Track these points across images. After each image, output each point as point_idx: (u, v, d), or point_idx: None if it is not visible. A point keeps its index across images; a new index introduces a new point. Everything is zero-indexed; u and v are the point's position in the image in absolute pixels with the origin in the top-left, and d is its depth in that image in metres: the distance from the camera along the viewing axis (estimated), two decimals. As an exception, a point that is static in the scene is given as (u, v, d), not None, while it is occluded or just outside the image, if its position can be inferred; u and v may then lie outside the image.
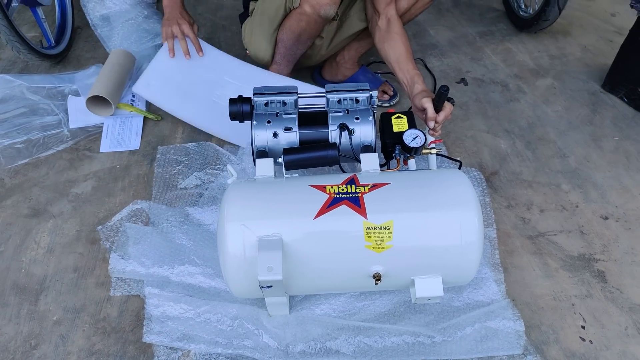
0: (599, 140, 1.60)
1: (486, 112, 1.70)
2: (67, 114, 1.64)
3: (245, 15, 1.65)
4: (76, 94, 1.72)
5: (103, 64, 1.77)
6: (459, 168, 1.28)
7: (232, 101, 1.20)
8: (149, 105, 1.70)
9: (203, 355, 1.05)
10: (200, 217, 1.31)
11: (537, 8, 1.93)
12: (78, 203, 1.39)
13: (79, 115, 1.64)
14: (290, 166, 1.06)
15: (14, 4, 1.71)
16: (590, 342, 1.11)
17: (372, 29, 1.52)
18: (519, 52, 1.98)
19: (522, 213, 1.38)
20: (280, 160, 1.07)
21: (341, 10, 1.56)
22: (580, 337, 1.12)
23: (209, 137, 1.58)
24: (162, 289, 1.13)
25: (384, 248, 0.91)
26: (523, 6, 2.06)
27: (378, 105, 1.55)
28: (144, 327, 1.08)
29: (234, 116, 1.21)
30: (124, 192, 1.42)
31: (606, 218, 1.37)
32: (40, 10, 1.84)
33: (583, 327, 1.14)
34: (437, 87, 1.78)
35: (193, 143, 1.52)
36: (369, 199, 0.93)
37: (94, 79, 1.71)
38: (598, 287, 1.21)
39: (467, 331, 1.06)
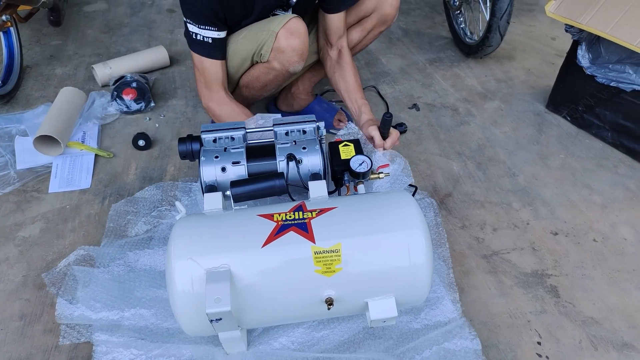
0: (545, 158, 1.66)
1: (438, 136, 1.75)
2: (14, 155, 1.60)
3: None
4: (24, 134, 1.68)
5: (52, 103, 1.74)
6: (414, 193, 1.30)
7: (181, 140, 1.20)
8: (100, 143, 1.67)
9: (157, 401, 1.01)
10: (151, 259, 1.27)
11: (481, 35, 2.02)
12: (25, 247, 1.34)
13: (27, 156, 1.59)
14: (238, 198, 1.05)
15: (-42, 45, 1.67)
16: (547, 357, 1.12)
17: (323, 59, 1.56)
18: (467, 77, 2.06)
19: (476, 233, 1.41)
20: (228, 193, 1.06)
21: None
22: (537, 354, 1.13)
23: (162, 174, 1.56)
24: (113, 333, 1.08)
25: (334, 271, 0.91)
26: (469, 33, 2.16)
27: (333, 133, 1.58)
28: (93, 375, 1.03)
29: (184, 155, 1.21)
30: (74, 232, 1.37)
31: (556, 234, 1.41)
32: (-14, 51, 1.81)
33: (539, 342, 1.15)
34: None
35: (144, 189, 1.46)
36: (316, 224, 0.93)
37: (43, 118, 1.68)
38: (552, 302, 1.24)
39: (425, 354, 1.06)
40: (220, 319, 0.86)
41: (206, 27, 1.34)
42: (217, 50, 1.40)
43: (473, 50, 2.08)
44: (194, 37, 1.36)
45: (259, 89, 1.53)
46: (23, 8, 1.95)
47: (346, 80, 1.47)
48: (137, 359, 1.03)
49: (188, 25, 1.36)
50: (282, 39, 1.34)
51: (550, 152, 1.69)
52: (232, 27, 1.44)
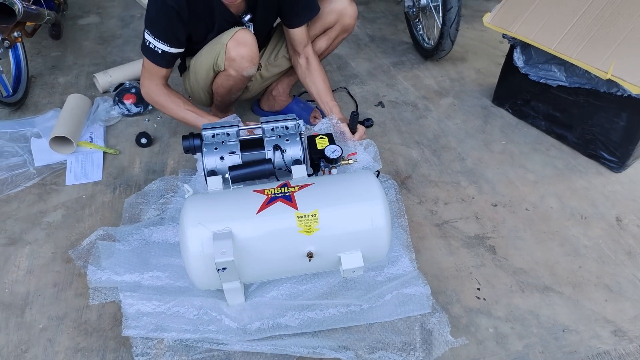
0: (489, 144, 1.97)
1: (400, 128, 2.04)
2: (31, 154, 1.82)
3: (183, 66, 1.87)
4: (38, 136, 1.91)
5: (60, 108, 1.98)
6: (377, 175, 1.59)
7: (185, 137, 1.45)
8: (106, 142, 1.91)
9: (175, 342, 1.26)
10: (163, 234, 1.52)
11: (436, 41, 2.32)
12: (50, 230, 1.57)
13: (43, 154, 1.82)
14: (235, 180, 1.32)
15: (-25, 59, 1.89)
16: (484, 299, 1.41)
17: (294, 66, 1.82)
18: (426, 77, 2.36)
19: (430, 207, 1.70)
20: (227, 176, 1.33)
21: (269, 54, 1.86)
22: (476, 297, 1.42)
23: (163, 167, 1.81)
24: (135, 291, 1.33)
25: (313, 231, 1.18)
26: (426, 39, 2.46)
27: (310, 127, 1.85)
28: (122, 323, 1.28)
29: (187, 149, 1.46)
30: (91, 217, 1.62)
31: (495, 205, 1.71)
32: (-2, 64, 2.03)
33: (478, 289, 1.44)
34: (358, 110, 2.11)
35: (150, 183, 1.69)
36: (298, 196, 1.21)
37: (54, 122, 1.91)
38: (490, 258, 1.53)
39: (387, 298, 1.34)
40: (225, 268, 1.12)
41: (160, 41, 1.54)
42: (164, 60, 1.59)
43: (430, 54, 2.38)
44: (147, 44, 1.56)
45: (227, 93, 1.76)
46: (30, 24, 2.17)
47: (316, 84, 1.74)
48: (158, 309, 1.28)
49: (146, 33, 1.55)
50: (232, 49, 1.56)
51: (493, 139, 1.99)
52: (199, 42, 1.67)
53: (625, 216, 1.65)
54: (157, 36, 1.54)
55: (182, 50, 1.61)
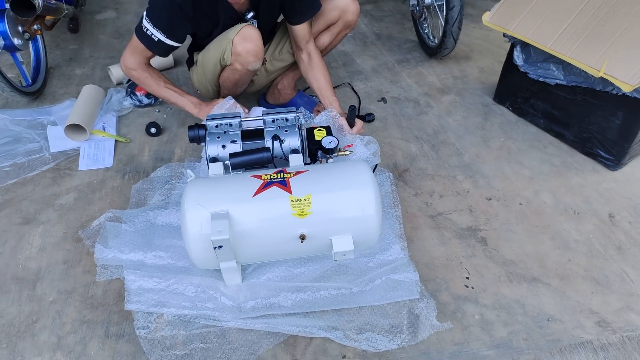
0: (488, 141, 2.01)
1: (401, 124, 2.09)
2: (47, 140, 1.92)
3: (191, 61, 1.95)
4: (54, 124, 2.01)
5: (76, 98, 2.08)
6: (374, 168, 1.65)
7: (190, 127, 1.53)
8: (118, 131, 2.00)
9: (174, 317, 1.34)
10: (167, 217, 1.60)
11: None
12: (63, 211, 1.67)
13: (58, 141, 1.92)
14: (235, 166, 1.39)
15: (-2, 50, 1.99)
16: (472, 287, 1.46)
17: (297, 60, 1.89)
18: (429, 75, 2.41)
19: (426, 199, 1.75)
20: (227, 162, 1.40)
21: (273, 49, 1.93)
22: (465, 285, 1.47)
23: (171, 155, 1.89)
24: (138, 269, 1.41)
25: (306, 214, 1.25)
26: (431, 37, 2.50)
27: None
28: (125, 298, 1.36)
29: (192, 139, 1.54)
30: (101, 200, 1.71)
31: (490, 199, 1.75)
32: (19, 55, 2.13)
33: (467, 277, 1.49)
34: (360, 105, 2.18)
35: (156, 170, 1.78)
36: (293, 181, 1.27)
37: (69, 111, 2.01)
38: (480, 249, 1.58)
39: (376, 283, 1.40)
40: (222, 246, 1.19)
41: (159, 31, 1.61)
42: (158, 48, 1.66)
43: (434, 52, 2.43)
44: (144, 30, 1.61)
45: (233, 87, 1.84)
46: (49, 17, 2.28)
47: (317, 79, 1.81)
48: (159, 285, 1.36)
49: (145, 20, 1.60)
50: (238, 44, 1.63)
51: (492, 136, 2.03)
52: (204, 38, 1.75)
53: (618, 213, 1.68)
54: (156, 26, 1.60)
55: (179, 45, 1.68)
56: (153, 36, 1.62)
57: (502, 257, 1.55)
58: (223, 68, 1.77)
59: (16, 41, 2.00)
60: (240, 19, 1.71)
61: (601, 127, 1.80)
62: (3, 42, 1.99)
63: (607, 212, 1.69)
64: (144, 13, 1.62)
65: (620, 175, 1.83)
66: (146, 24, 1.61)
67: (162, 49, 1.67)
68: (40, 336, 1.31)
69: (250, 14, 1.70)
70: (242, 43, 1.64)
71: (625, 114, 1.71)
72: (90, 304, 1.39)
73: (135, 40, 1.67)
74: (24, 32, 2.07)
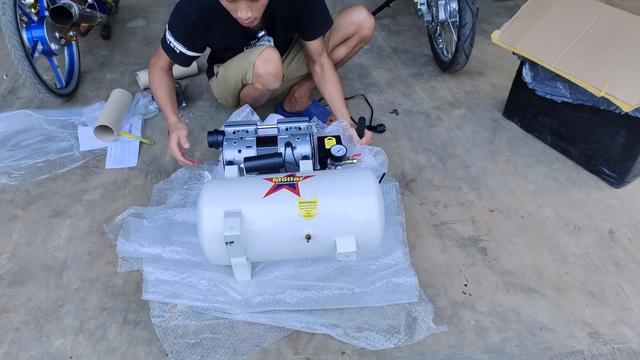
0: (495, 155, 2.07)
1: (411, 135, 2.17)
2: (77, 140, 2.06)
3: (210, 71, 2.07)
4: (84, 124, 2.15)
5: (105, 101, 2.21)
6: (382, 177, 1.74)
7: (210, 133, 1.64)
8: (143, 133, 2.13)
9: (186, 308, 1.44)
10: (184, 215, 1.71)
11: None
12: (89, 206, 1.79)
13: (87, 141, 2.06)
14: (249, 169, 1.50)
15: (36, 54, 2.15)
16: (470, 295, 1.53)
17: (311, 72, 2.00)
18: (442, 89, 2.48)
19: (430, 208, 1.82)
20: (242, 166, 1.50)
21: (290, 59, 2.03)
22: (463, 292, 1.54)
23: (191, 157, 2.01)
24: (156, 262, 1.52)
25: (312, 216, 1.34)
26: (445, 52, 2.58)
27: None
28: (142, 288, 1.47)
29: (211, 144, 1.65)
30: (125, 198, 1.83)
31: (492, 211, 1.81)
32: (55, 59, 2.29)
33: (466, 285, 1.56)
34: (373, 116, 2.26)
35: (176, 171, 1.89)
36: (301, 184, 1.37)
37: (99, 112, 2.15)
38: (480, 259, 1.64)
39: (377, 285, 1.48)
40: (233, 242, 1.29)
41: (180, 43, 1.73)
42: (179, 58, 1.78)
43: (447, 66, 2.50)
44: (167, 42, 1.73)
45: (253, 101, 1.96)
46: (84, 25, 2.43)
47: (330, 91, 1.91)
48: (174, 278, 1.47)
49: (167, 33, 1.72)
50: (259, 66, 1.75)
51: (499, 150, 2.09)
52: (219, 52, 1.88)
53: (618, 229, 1.73)
54: (177, 39, 1.73)
55: (199, 54, 1.81)
56: (175, 48, 1.74)
57: (500, 267, 1.61)
58: (243, 85, 1.89)
59: (53, 46, 2.16)
60: (253, 36, 1.82)
61: (605, 145, 1.85)
62: (41, 47, 2.14)
63: (608, 228, 1.73)
64: (166, 26, 1.75)
65: (623, 193, 1.87)
66: (169, 36, 1.74)
67: (183, 59, 1.79)
68: (64, 320, 1.43)
69: (262, 32, 1.82)
70: (263, 65, 1.76)
71: (629, 133, 1.76)
72: (111, 292, 1.50)
73: (160, 48, 1.80)
74: (60, 38, 2.23)
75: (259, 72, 1.77)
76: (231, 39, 1.80)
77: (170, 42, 1.74)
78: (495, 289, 1.54)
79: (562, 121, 1.99)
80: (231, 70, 1.87)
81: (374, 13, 3.07)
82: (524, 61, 2.04)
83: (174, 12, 1.71)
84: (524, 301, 1.50)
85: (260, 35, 1.83)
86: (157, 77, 1.81)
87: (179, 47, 1.74)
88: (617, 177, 1.87)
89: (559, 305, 1.49)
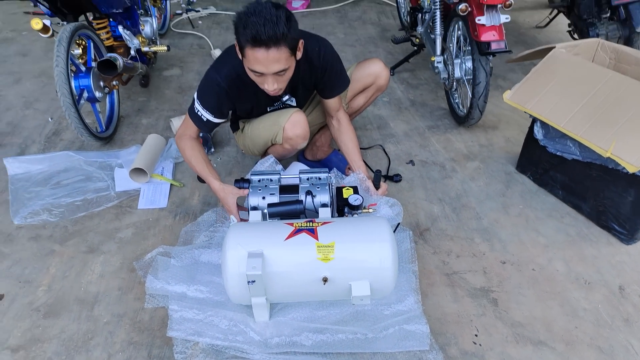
0: (507, 207, 2.14)
1: (426, 186, 2.27)
2: (114, 180, 2.22)
3: (235, 125, 2.21)
4: (120, 166, 2.31)
5: (141, 144, 2.38)
6: (396, 227, 1.83)
7: (237, 180, 1.77)
8: (174, 176, 2.28)
9: (208, 346, 1.52)
10: (209, 256, 1.82)
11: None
12: (121, 244, 1.92)
13: (123, 181, 2.21)
14: (272, 215, 1.61)
15: (82, 101, 2.35)
16: (480, 345, 1.57)
17: (328, 125, 2.14)
18: (457, 141, 2.59)
19: (443, 257, 1.89)
20: (265, 211, 1.62)
21: (310, 110, 2.18)
22: (473, 342, 1.58)
23: (217, 200, 2.14)
24: (181, 300, 1.62)
25: (329, 259, 1.43)
26: (461, 107, 2.70)
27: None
28: (167, 325, 1.56)
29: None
30: (155, 237, 1.95)
31: (504, 262, 1.87)
32: (97, 105, 2.48)
33: (476, 335, 1.60)
34: (390, 165, 2.37)
35: (203, 214, 1.99)
36: (320, 230, 1.47)
37: (134, 155, 2.31)
38: (491, 309, 1.69)
39: (390, 331, 1.54)
40: (254, 281, 1.39)
41: (207, 111, 1.82)
42: (206, 126, 1.87)
43: (463, 120, 2.62)
44: (195, 110, 1.83)
45: (281, 156, 2.10)
46: (125, 75, 2.65)
47: (346, 144, 2.05)
48: (197, 316, 1.56)
49: (196, 102, 1.81)
50: (289, 130, 1.91)
51: (512, 203, 2.17)
52: (244, 113, 2.01)
53: (628, 286, 1.76)
54: (205, 107, 1.84)
55: (224, 120, 1.93)
56: (202, 117, 1.86)
57: (511, 319, 1.66)
58: (273, 144, 2.05)
59: (97, 94, 2.36)
60: (277, 99, 1.97)
61: (615, 202, 1.91)
62: (87, 95, 2.34)
63: (618, 284, 1.77)
64: (195, 95, 1.87)
65: (633, 249, 1.91)
66: (197, 105, 1.86)
67: (209, 127, 1.91)
68: (93, 352, 1.53)
69: (287, 97, 1.98)
70: (292, 129, 1.92)
71: (637, 192, 1.82)
72: (137, 327, 1.60)
73: (187, 118, 1.92)
74: (104, 86, 2.43)
75: (288, 135, 1.93)
76: (257, 102, 1.95)
77: (198, 110, 1.86)
78: (505, 340, 1.59)
79: (573, 177, 2.06)
80: (260, 131, 2.02)
81: (394, 67, 3.25)
82: (535, 119, 2.14)
83: (204, 81, 1.85)
84: (533, 354, 1.54)
85: (284, 99, 1.98)
86: (189, 147, 1.91)
87: (207, 116, 1.85)
88: (627, 234, 1.91)
89: (568, 359, 1.52)
